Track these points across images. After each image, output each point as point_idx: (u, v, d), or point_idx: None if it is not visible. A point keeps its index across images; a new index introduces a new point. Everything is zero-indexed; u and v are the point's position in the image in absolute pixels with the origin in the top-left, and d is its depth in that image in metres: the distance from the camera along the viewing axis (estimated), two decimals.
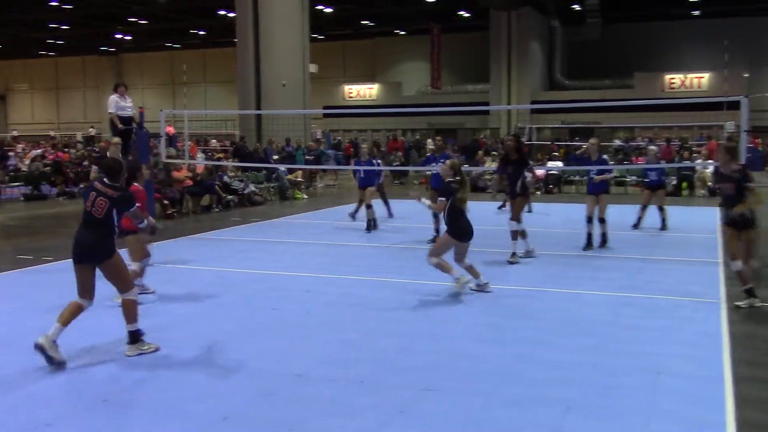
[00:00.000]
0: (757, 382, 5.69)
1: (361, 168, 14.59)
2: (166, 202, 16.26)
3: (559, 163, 24.08)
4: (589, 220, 11.76)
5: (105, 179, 6.30)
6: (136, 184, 8.11)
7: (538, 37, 44.96)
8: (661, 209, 14.13)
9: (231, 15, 32.71)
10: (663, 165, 15.38)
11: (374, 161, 15.00)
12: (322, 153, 27.18)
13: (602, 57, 44.42)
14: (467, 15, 42.63)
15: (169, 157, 17.36)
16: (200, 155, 28.48)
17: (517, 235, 10.79)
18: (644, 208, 14.24)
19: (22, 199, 21.07)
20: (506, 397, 5.29)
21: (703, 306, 8.01)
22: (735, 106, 15.53)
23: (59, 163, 23.34)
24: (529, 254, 10.95)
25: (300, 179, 22.51)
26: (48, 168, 22.78)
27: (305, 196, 21.70)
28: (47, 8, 38.71)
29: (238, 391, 5.45)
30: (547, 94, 44.15)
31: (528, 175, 11.19)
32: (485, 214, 17.00)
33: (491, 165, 23.05)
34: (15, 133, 45.34)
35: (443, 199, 8.54)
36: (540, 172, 22.91)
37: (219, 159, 25.92)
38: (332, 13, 39.80)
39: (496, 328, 7.17)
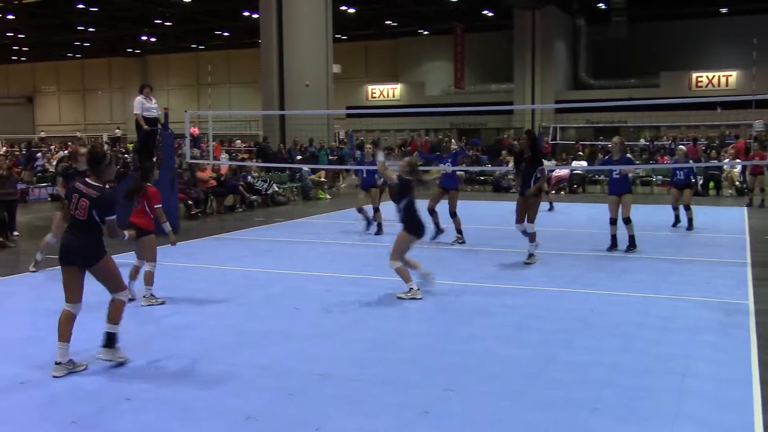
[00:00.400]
0: None
1: (363, 168, 14.45)
2: (190, 202, 16.38)
3: (584, 163, 23.93)
4: (613, 221, 11.51)
5: (87, 179, 5.96)
6: (149, 184, 8.16)
7: (563, 36, 44.67)
8: (687, 209, 14.04)
9: (255, 16, 32.88)
10: (691, 164, 15.25)
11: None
12: (345, 153, 27.25)
13: (628, 56, 44.03)
14: (491, 14, 42.49)
15: (193, 157, 17.49)
16: (224, 156, 28.67)
17: (535, 236, 10.63)
18: (676, 207, 14.26)
19: (49, 199, 21.31)
20: (532, 399, 5.26)
21: (730, 307, 7.90)
22: (764, 104, 15.33)
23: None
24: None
25: (323, 179, 22.56)
26: (75, 169, 23.03)
27: (328, 197, 21.76)
28: (74, 11, 39.18)
29: (262, 391, 5.46)
30: (571, 94, 43.85)
31: (539, 175, 10.72)
32: (507, 213, 16.94)
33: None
34: (42, 134, 45.95)
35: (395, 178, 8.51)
36: (564, 171, 22.80)
37: (243, 159, 26.06)
38: (355, 13, 39.85)
39: (522, 328, 7.13)
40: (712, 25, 42.79)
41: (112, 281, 6.02)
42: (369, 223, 13.78)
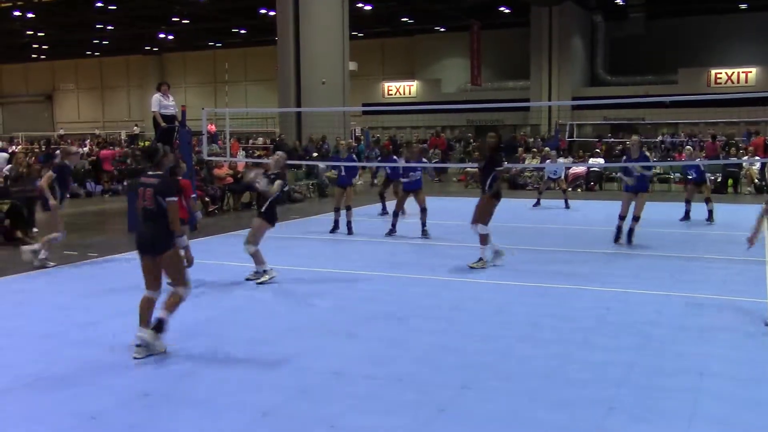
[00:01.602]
0: None
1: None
2: (207, 199, 16.47)
3: (601, 160, 23.80)
4: (622, 218, 11.65)
5: (149, 171, 6.44)
6: (180, 178, 8.67)
7: (580, 32, 44.41)
8: (707, 202, 14.36)
9: (272, 14, 32.94)
10: (699, 162, 15.43)
11: (353, 157, 15.04)
12: (361, 150, 27.27)
13: (645, 52, 43.69)
14: (507, 11, 42.29)
15: (210, 154, 17.58)
16: (241, 153, 28.75)
17: (486, 239, 10.01)
18: (689, 201, 14.50)
19: (68, 196, 21.51)
20: (549, 398, 5.26)
21: (747, 305, 7.85)
22: None
23: (98, 160, 23.71)
24: (497, 256, 10.17)
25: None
26: (92, 166, 23.23)
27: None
28: (93, 9, 39.44)
29: (278, 388, 5.50)
30: (588, 90, 43.59)
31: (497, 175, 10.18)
32: (522, 210, 16.92)
33: (532, 162, 22.90)
34: (62, 132, 46.34)
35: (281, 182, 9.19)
36: (581, 169, 22.71)
37: (259, 157, 26.15)
38: (371, 11, 39.80)
39: (538, 327, 7.12)
40: (731, 21, 42.37)
41: (174, 274, 6.40)
42: (336, 227, 13.55)
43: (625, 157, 12.63)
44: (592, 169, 22.67)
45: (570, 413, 4.96)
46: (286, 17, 27.43)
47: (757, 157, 20.96)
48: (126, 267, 10.47)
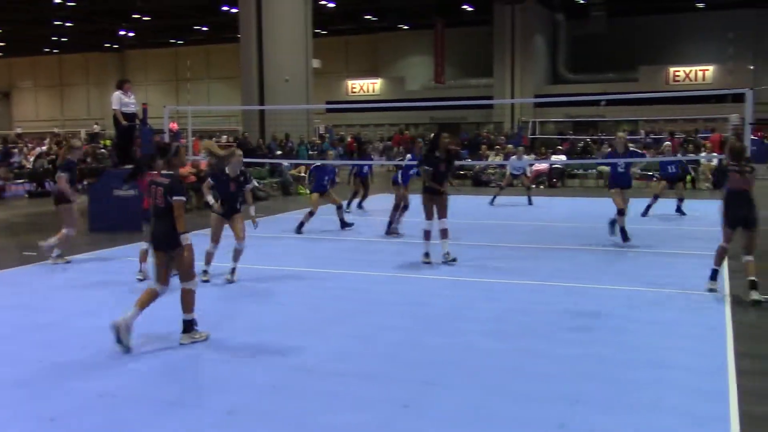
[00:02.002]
0: (760, 375, 5.69)
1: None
2: None
3: (563, 157, 24.06)
4: (622, 212, 11.52)
5: (161, 171, 6.64)
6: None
7: (542, 30, 44.86)
8: (681, 199, 15.03)
9: (234, 11, 32.71)
10: (679, 157, 16.05)
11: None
12: (326, 148, 27.18)
13: (606, 50, 44.30)
14: (470, 9, 42.54)
15: None
16: (203, 151, 28.42)
17: (429, 235, 10.14)
18: (657, 197, 14.93)
19: (26, 196, 21.13)
20: (513, 392, 5.30)
21: (707, 298, 8.01)
22: (740, 98, 15.51)
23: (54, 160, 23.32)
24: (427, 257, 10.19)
25: (303, 174, 22.50)
26: (52, 165, 22.82)
27: (308, 191, 21.69)
28: (51, 5, 38.74)
29: (244, 386, 5.46)
30: (550, 88, 44.07)
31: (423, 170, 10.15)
32: (484, 208, 17.05)
33: (495, 159, 23.06)
34: (19, 131, 45.40)
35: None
36: (543, 166, 22.93)
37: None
38: (335, 8, 39.73)
39: (502, 322, 7.17)
40: (689, 20, 43.16)
41: (184, 269, 6.50)
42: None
43: (610, 151, 12.76)
44: (554, 166, 22.90)
45: (535, 407, 5.00)
46: (248, 14, 27.27)
47: (714, 154, 21.34)
48: (86, 267, 10.31)
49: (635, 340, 6.52)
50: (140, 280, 8.89)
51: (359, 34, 51.02)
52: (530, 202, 17.57)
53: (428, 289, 8.65)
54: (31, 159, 24.58)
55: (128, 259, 10.65)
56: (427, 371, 5.73)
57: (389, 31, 50.27)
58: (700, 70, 42.28)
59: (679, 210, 14.97)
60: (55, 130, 46.93)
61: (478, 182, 23.25)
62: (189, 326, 6.51)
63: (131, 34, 49.67)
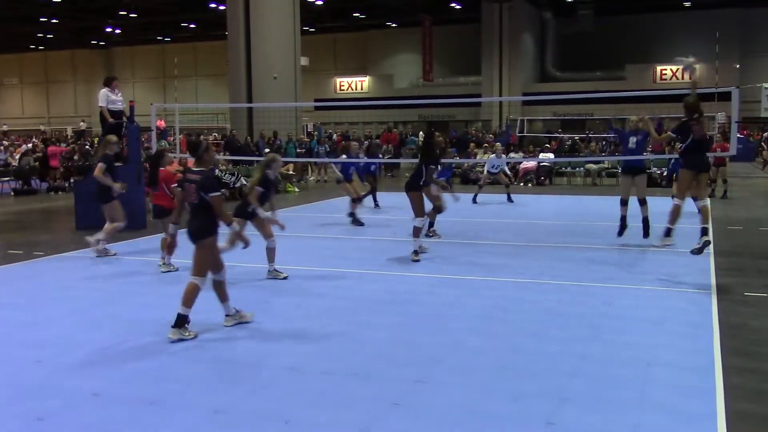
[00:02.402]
0: (746, 372, 5.72)
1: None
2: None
3: (551, 155, 24.13)
4: (624, 202, 11.34)
5: (193, 167, 6.76)
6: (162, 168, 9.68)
7: (530, 29, 44.96)
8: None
9: (222, 8, 32.57)
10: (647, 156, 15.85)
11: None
12: (314, 146, 27.17)
13: (594, 49, 44.46)
14: (459, 7, 42.58)
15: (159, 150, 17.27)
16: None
17: (419, 232, 10.36)
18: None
19: (12, 194, 20.99)
20: (501, 390, 5.31)
21: (693, 296, 8.05)
22: (726, 97, 15.62)
23: (45, 157, 23.19)
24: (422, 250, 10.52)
25: (291, 172, 22.48)
26: (38, 163, 22.69)
27: (297, 190, 21.68)
28: (37, 2, 38.46)
29: (231, 384, 5.45)
30: (538, 86, 44.19)
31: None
32: (470, 206, 17.07)
33: (483, 157, 23.09)
34: (5, 128, 45.10)
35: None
36: (531, 164, 22.99)
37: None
38: (323, 6, 39.67)
39: (490, 320, 7.19)
40: (676, 18, 43.38)
41: (198, 263, 6.58)
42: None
43: (616, 135, 12.52)
44: (542, 164, 22.97)
45: (523, 405, 5.01)
46: (236, 11, 27.16)
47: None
48: (73, 265, 10.26)
49: (622, 337, 6.55)
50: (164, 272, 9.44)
51: (348, 32, 50.98)
52: (510, 200, 17.53)
53: (416, 286, 8.65)
54: (17, 156, 24.41)
55: (115, 258, 10.61)
56: (417, 369, 5.73)
57: (378, 29, 50.26)
58: None
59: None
60: (42, 127, 46.71)
61: (467, 180, 23.28)
62: (182, 321, 6.51)
63: (118, 31, 49.40)
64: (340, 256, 10.94)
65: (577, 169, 23.51)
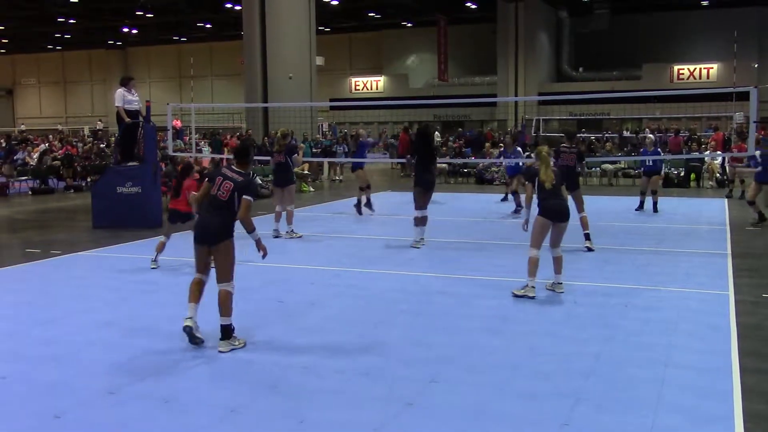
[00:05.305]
0: (764, 373, 5.67)
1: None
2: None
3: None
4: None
5: (233, 165, 6.62)
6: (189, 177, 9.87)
7: (546, 28, 44.78)
8: (654, 193, 15.26)
9: (237, 8, 32.70)
10: (661, 156, 16.37)
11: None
12: (328, 145, 27.19)
13: (610, 48, 44.23)
14: (474, 6, 42.47)
15: (175, 150, 17.38)
16: (206, 148, 28.50)
17: (419, 221, 11.22)
18: (644, 193, 15.42)
19: (30, 193, 21.17)
20: (516, 390, 5.29)
21: (710, 298, 7.98)
22: (744, 96, 15.51)
23: (70, 156, 23.39)
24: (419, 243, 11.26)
25: (307, 172, 22.49)
26: (57, 162, 22.86)
27: (312, 189, 21.71)
28: (54, 2, 38.75)
29: (245, 383, 5.46)
30: (554, 86, 43.99)
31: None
32: (488, 206, 17.01)
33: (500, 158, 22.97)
34: (23, 127, 45.51)
35: None
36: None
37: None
38: (338, 5, 39.70)
39: (506, 320, 7.16)
40: (693, 17, 43.05)
41: (224, 268, 6.34)
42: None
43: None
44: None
45: (537, 405, 4.99)
46: (251, 11, 27.25)
47: (718, 152, 21.31)
48: (89, 264, 10.33)
49: (636, 338, 6.50)
50: (153, 269, 9.65)
51: (363, 32, 50.98)
52: (506, 199, 17.33)
53: (429, 286, 8.63)
54: (35, 156, 24.59)
55: (131, 256, 10.67)
56: (431, 369, 5.72)
57: (393, 29, 50.23)
58: (705, 68, 42.17)
59: (654, 206, 15.21)
60: (59, 127, 47.03)
61: (482, 180, 23.21)
62: (228, 332, 6.25)
63: (134, 32, 49.68)
64: (353, 255, 10.93)
65: (594, 169, 23.37)
